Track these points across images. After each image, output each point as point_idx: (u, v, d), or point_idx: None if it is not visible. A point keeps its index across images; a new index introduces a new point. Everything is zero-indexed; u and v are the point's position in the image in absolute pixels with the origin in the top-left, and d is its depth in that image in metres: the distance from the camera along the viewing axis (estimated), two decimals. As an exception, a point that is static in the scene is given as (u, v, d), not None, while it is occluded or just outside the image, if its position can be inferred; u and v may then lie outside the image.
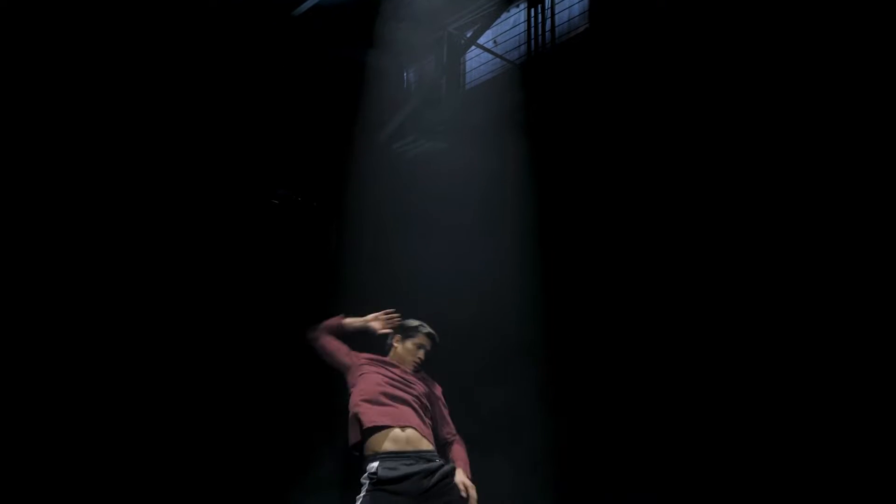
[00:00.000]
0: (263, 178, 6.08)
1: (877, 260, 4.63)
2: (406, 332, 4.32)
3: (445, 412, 4.30)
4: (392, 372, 4.21)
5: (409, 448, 4.05)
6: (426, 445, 4.12)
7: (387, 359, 4.30)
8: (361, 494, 3.96)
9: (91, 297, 5.60)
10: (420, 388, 4.25)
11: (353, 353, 4.28)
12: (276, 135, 6.08)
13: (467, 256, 6.01)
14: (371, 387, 4.13)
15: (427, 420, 4.18)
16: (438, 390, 4.35)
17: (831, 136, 4.79)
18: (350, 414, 4.10)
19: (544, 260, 5.87)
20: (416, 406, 4.17)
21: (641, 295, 5.54)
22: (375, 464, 3.99)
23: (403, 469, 3.99)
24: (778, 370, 4.88)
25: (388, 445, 4.04)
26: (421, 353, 4.32)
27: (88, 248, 5.62)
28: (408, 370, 4.26)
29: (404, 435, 4.07)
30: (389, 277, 6.09)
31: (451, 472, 4.05)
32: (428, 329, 4.36)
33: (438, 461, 4.07)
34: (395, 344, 4.32)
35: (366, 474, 3.98)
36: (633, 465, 5.29)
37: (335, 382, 4.44)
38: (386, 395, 4.13)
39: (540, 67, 6.05)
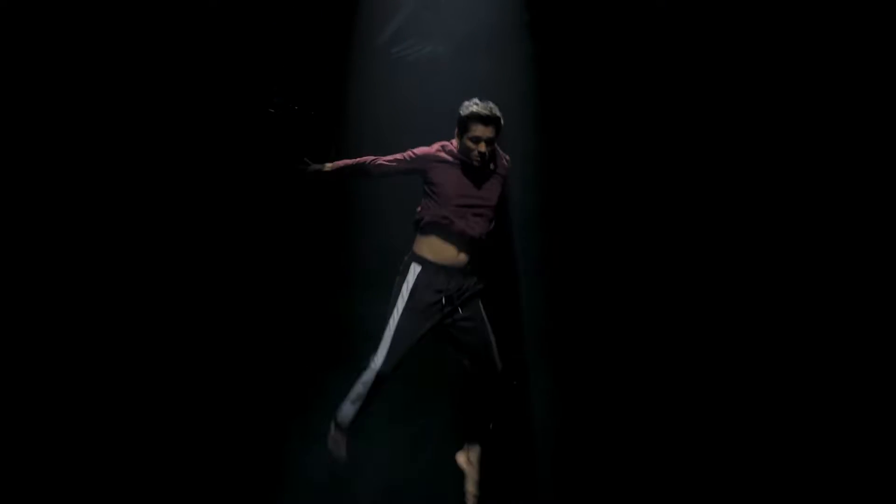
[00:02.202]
0: (259, 86, 5.72)
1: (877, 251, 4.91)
2: (460, 126, 4.15)
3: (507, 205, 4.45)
4: (462, 172, 4.17)
5: (458, 263, 4.16)
6: (473, 260, 4.20)
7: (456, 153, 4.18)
8: (399, 302, 4.05)
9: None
10: (490, 190, 4.26)
11: (411, 155, 4.25)
12: (270, 42, 5.70)
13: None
14: (447, 193, 4.16)
15: (491, 226, 4.26)
16: (504, 181, 4.32)
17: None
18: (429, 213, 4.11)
19: (546, 168, 5.92)
20: (485, 216, 4.22)
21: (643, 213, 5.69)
22: (418, 269, 4.07)
23: (439, 287, 4.09)
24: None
25: (443, 258, 4.11)
26: (481, 147, 4.13)
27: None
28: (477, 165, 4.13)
29: (460, 256, 4.14)
30: (389, 187, 5.93)
31: (478, 293, 4.20)
32: (480, 110, 4.09)
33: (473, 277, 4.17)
34: (456, 137, 4.20)
35: (409, 279, 4.07)
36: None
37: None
38: (459, 206, 4.17)
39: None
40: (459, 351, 4.24)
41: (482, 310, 4.24)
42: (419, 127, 5.88)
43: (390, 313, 4.09)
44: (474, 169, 4.19)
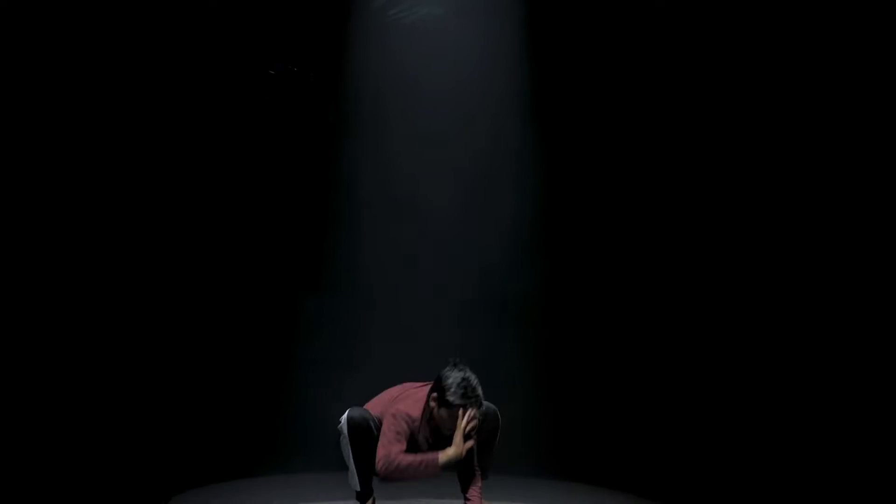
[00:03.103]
0: (258, 50, 5.81)
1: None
2: (445, 403, 3.72)
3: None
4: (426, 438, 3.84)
5: None
6: None
7: (421, 418, 3.81)
8: None
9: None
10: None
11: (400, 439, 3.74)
12: (268, 4, 5.79)
13: (465, 125, 6.07)
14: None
15: None
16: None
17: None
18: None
19: (543, 129, 6.03)
20: None
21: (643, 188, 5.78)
22: None
23: None
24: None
25: None
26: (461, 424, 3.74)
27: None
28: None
29: None
30: (388, 147, 6.05)
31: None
32: (469, 396, 3.71)
33: None
34: (433, 403, 3.79)
35: None
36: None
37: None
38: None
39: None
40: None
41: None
42: (416, 88, 6.06)
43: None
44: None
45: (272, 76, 5.87)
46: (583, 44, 5.99)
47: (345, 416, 3.78)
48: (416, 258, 5.94)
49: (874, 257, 4.76)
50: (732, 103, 5.35)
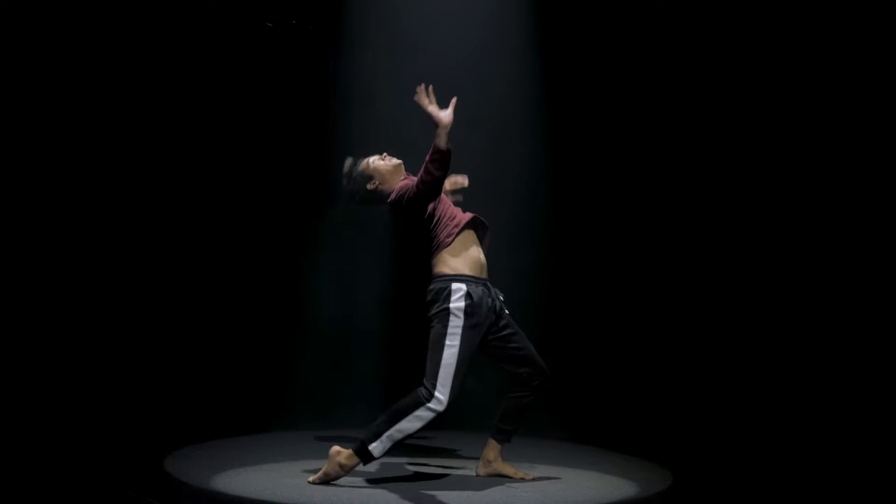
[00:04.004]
0: (256, 1, 5.71)
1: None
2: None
3: None
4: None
5: (485, 271, 3.99)
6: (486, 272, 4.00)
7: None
8: (453, 329, 3.76)
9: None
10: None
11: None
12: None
13: (467, 77, 5.97)
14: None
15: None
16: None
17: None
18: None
19: (548, 85, 5.93)
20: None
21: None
22: (463, 287, 3.81)
23: (486, 300, 3.89)
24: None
25: (474, 270, 3.91)
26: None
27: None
28: None
29: (481, 261, 3.98)
30: (388, 100, 5.95)
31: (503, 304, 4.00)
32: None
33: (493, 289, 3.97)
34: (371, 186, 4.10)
35: (458, 298, 3.80)
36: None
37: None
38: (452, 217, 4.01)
39: None
40: (508, 362, 3.98)
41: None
42: (414, 38, 5.95)
43: (443, 344, 3.71)
44: None
45: (270, 28, 5.75)
46: (590, 82, 5.88)
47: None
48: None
49: (874, 257, 4.81)
50: (732, 103, 5.31)
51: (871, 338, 4.79)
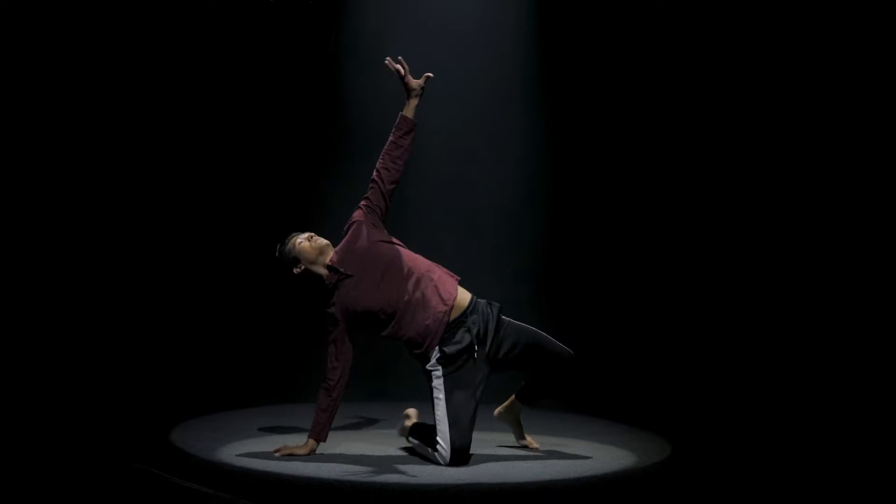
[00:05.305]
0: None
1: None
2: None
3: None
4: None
5: (458, 308, 3.86)
6: (462, 295, 3.89)
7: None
8: (436, 384, 3.81)
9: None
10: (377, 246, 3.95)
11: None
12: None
13: (470, 55, 5.98)
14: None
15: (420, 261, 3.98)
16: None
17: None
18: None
19: (547, 64, 5.92)
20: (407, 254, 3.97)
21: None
22: (435, 350, 3.82)
23: (466, 337, 3.84)
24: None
25: (438, 321, 3.82)
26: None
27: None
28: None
29: (454, 302, 3.86)
30: (388, 77, 5.94)
31: (498, 313, 3.91)
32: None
33: (477, 304, 3.90)
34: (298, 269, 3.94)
35: (432, 361, 3.84)
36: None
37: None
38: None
39: None
40: (526, 367, 3.99)
41: (511, 321, 3.94)
42: (419, 16, 5.95)
43: (433, 401, 3.82)
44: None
45: (270, 3, 5.75)
46: (590, 82, 5.86)
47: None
48: (415, 188, 5.85)
49: (874, 258, 4.82)
50: (731, 103, 5.31)
51: (867, 311, 4.81)
